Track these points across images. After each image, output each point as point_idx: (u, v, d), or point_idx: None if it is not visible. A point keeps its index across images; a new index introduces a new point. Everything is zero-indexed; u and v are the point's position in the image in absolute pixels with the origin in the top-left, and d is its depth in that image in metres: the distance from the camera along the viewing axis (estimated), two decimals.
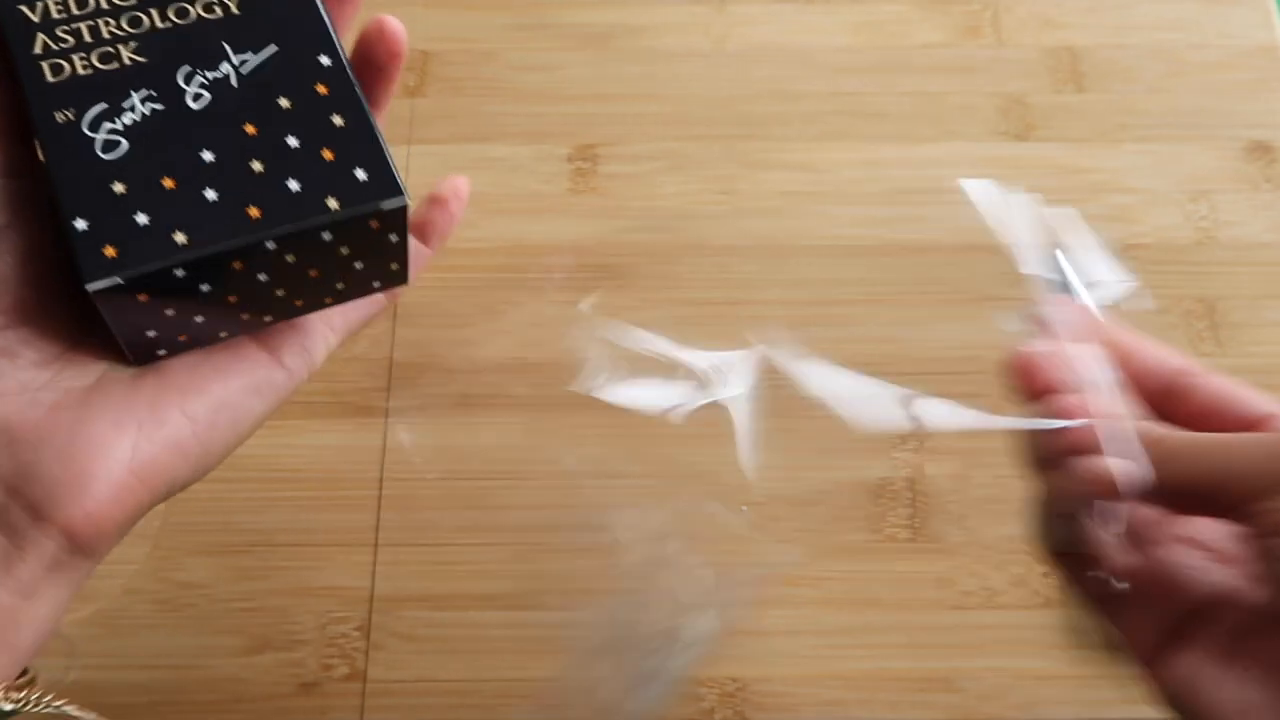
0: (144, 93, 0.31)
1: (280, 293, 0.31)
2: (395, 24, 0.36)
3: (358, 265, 0.32)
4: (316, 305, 0.32)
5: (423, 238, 0.36)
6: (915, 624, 0.48)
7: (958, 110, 0.59)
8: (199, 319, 0.30)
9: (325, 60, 0.34)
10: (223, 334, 0.31)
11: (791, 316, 0.54)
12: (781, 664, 0.48)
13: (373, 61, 0.35)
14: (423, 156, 0.57)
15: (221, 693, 0.47)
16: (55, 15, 0.32)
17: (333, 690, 0.47)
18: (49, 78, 0.31)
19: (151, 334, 0.30)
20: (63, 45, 0.31)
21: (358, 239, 0.31)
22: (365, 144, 0.32)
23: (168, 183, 0.30)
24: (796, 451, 0.52)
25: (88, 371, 0.30)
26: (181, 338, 0.31)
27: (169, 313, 0.30)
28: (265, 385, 0.32)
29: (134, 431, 0.29)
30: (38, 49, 0.31)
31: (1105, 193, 0.57)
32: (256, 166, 0.31)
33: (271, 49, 0.33)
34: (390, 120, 0.58)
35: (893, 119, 0.59)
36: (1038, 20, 0.62)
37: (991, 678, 0.48)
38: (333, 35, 0.35)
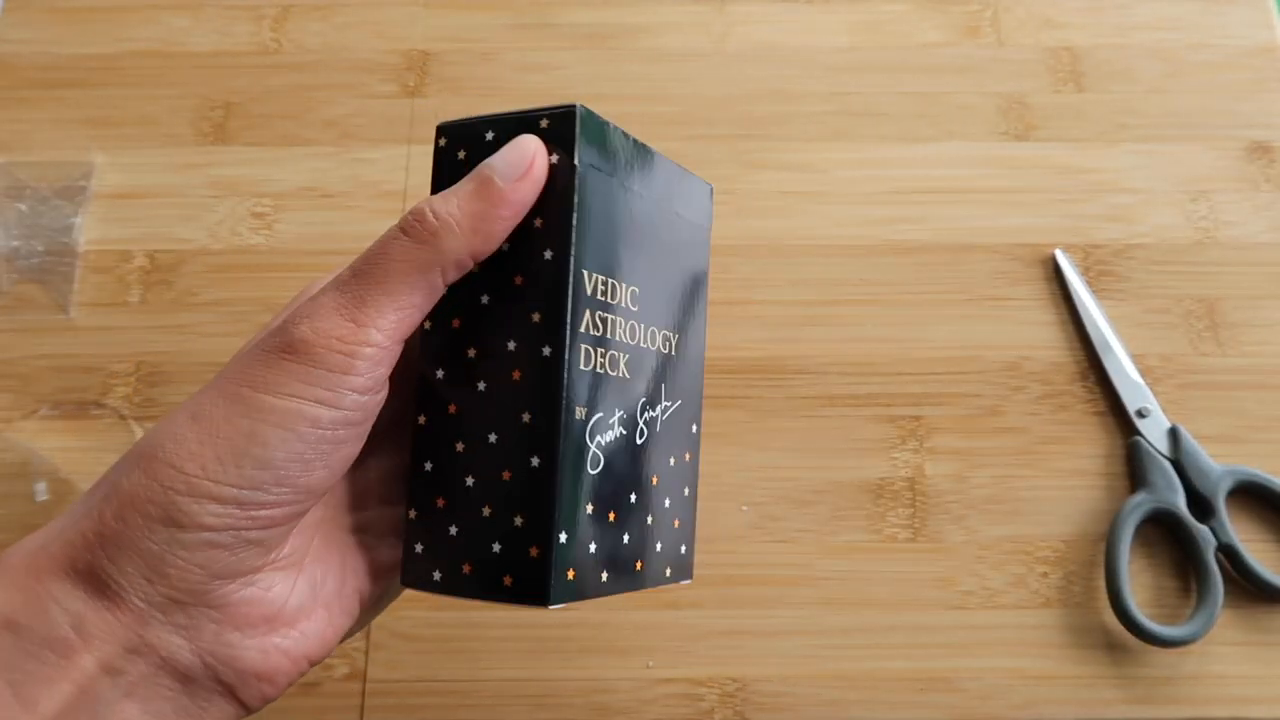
0: (621, 414, 0.31)
1: None
2: None
3: None
4: None
5: None
6: (915, 624, 0.48)
7: (958, 110, 0.59)
8: None
9: (694, 429, 0.35)
10: None
11: (791, 316, 0.54)
12: (781, 664, 0.48)
13: None
14: (423, 156, 0.57)
15: None
16: (597, 295, 0.30)
17: (333, 690, 0.47)
18: (581, 363, 0.29)
19: None
20: (593, 333, 0.30)
21: None
22: (693, 519, 0.35)
23: (612, 515, 0.30)
24: (796, 451, 0.52)
25: (328, 563, 0.30)
26: None
27: None
28: None
29: (324, 622, 0.30)
30: (582, 326, 0.29)
31: (1105, 193, 0.57)
32: (649, 519, 0.32)
33: (679, 402, 0.34)
34: (390, 120, 0.58)
35: (893, 119, 0.59)
36: (1038, 20, 0.62)
37: (991, 678, 0.48)
38: (701, 402, 0.36)
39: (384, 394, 0.28)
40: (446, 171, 0.31)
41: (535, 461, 0.28)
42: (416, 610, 0.49)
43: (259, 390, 0.27)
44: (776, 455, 0.52)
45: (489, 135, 0.30)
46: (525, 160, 0.28)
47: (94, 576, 0.26)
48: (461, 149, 0.31)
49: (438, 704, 0.47)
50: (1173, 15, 0.62)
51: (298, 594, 0.29)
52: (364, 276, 0.28)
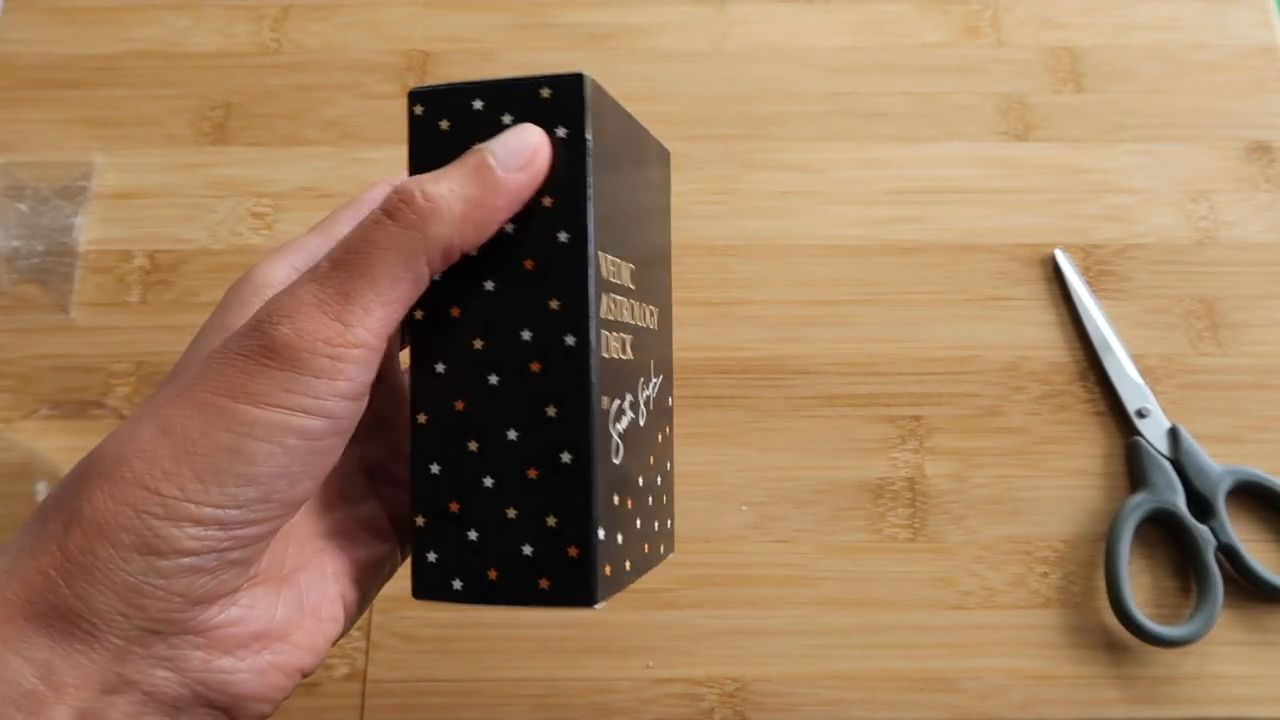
0: (630, 398, 0.29)
1: None
2: None
3: None
4: None
5: None
6: (915, 624, 0.48)
7: (958, 110, 0.59)
8: None
9: (670, 401, 0.34)
10: None
11: (791, 316, 0.54)
12: (781, 664, 0.48)
13: None
14: None
15: None
16: (609, 277, 0.28)
17: (333, 690, 0.47)
18: (603, 351, 0.27)
19: None
20: (608, 317, 0.28)
21: None
22: (673, 491, 0.35)
23: (630, 503, 0.29)
24: (796, 451, 0.52)
25: (307, 570, 0.29)
26: None
27: None
28: (391, 564, 0.32)
29: (314, 631, 0.28)
30: (602, 311, 0.27)
31: (1105, 193, 0.57)
32: (649, 500, 0.31)
33: (662, 376, 0.33)
34: (390, 120, 0.58)
35: (893, 119, 0.59)
36: (1038, 20, 0.62)
37: (991, 678, 0.48)
38: (673, 374, 0.35)
39: (367, 397, 0.26)
40: (427, 144, 0.28)
41: (566, 458, 0.27)
42: (416, 610, 0.49)
43: (239, 400, 0.24)
44: (776, 455, 0.52)
45: (478, 105, 0.28)
46: (528, 151, 0.26)
47: (61, 617, 0.24)
48: (445, 119, 0.28)
49: (438, 704, 0.47)
50: (1173, 15, 0.62)
51: (284, 606, 0.27)
52: (346, 268, 0.25)
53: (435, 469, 0.28)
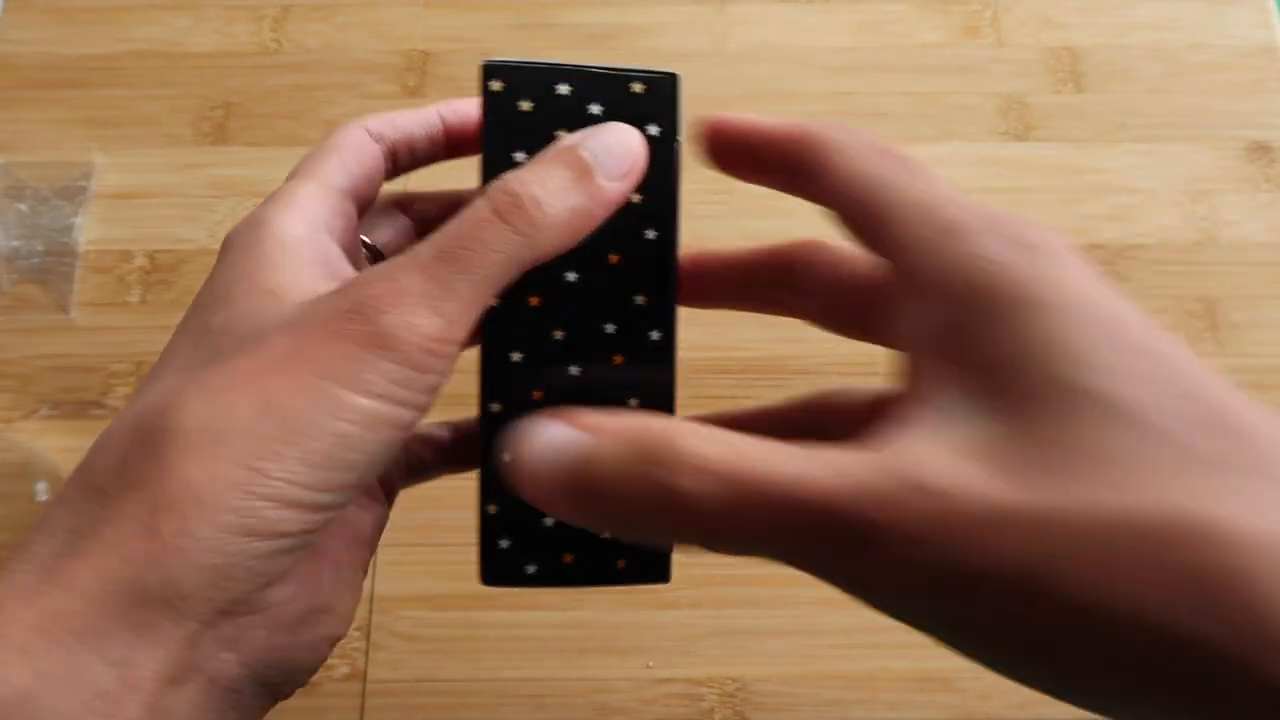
0: None
1: None
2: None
3: None
4: None
5: None
6: None
7: (958, 110, 0.59)
8: None
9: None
10: None
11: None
12: (781, 664, 0.48)
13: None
14: None
15: None
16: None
17: (332, 690, 0.47)
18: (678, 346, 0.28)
19: None
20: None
21: None
22: None
23: None
24: None
25: (340, 539, 0.29)
26: None
27: None
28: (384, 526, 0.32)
29: (348, 601, 0.28)
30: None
31: (1105, 193, 0.57)
32: None
33: None
34: None
35: (893, 119, 0.59)
36: (1037, 20, 0.62)
37: (991, 678, 0.47)
38: None
39: None
40: (507, 124, 0.27)
41: None
42: (416, 610, 0.49)
43: (347, 387, 0.23)
44: None
45: (563, 89, 0.27)
46: (630, 158, 0.26)
47: (145, 606, 0.22)
48: (526, 100, 0.27)
49: (438, 704, 0.47)
50: (1173, 15, 0.62)
51: (327, 577, 0.27)
52: (454, 263, 0.24)
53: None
